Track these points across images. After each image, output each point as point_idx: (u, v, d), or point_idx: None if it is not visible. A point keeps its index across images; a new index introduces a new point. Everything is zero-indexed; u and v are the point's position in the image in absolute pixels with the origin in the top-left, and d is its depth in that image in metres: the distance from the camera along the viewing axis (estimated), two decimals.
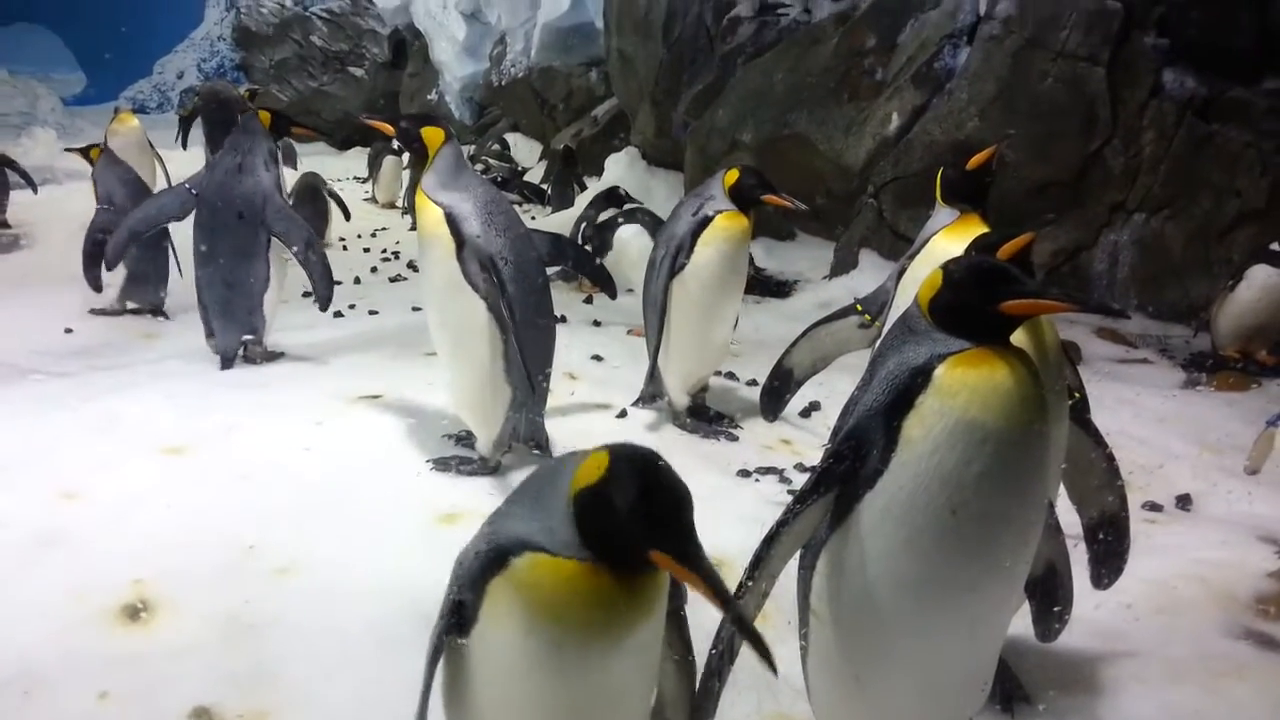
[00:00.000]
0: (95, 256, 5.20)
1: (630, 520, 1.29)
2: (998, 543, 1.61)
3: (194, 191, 4.48)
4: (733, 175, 3.77)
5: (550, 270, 3.66)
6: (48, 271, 6.85)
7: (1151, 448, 3.97)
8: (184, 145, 10.21)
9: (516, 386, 3.32)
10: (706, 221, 3.74)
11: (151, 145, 8.34)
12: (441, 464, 3.43)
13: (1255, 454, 3.32)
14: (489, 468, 3.42)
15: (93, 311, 5.62)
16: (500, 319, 3.16)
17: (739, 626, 1.27)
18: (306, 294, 4.85)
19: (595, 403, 4.20)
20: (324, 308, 4.64)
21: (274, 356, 4.65)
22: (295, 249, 4.44)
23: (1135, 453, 3.83)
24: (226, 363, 4.50)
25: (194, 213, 4.48)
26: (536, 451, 3.56)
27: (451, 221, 3.15)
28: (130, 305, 5.73)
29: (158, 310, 5.78)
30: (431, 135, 3.21)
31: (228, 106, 10.70)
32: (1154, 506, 3.46)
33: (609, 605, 1.36)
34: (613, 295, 4.01)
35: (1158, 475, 3.73)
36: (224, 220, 4.41)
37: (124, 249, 4.63)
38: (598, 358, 4.79)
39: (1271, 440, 3.25)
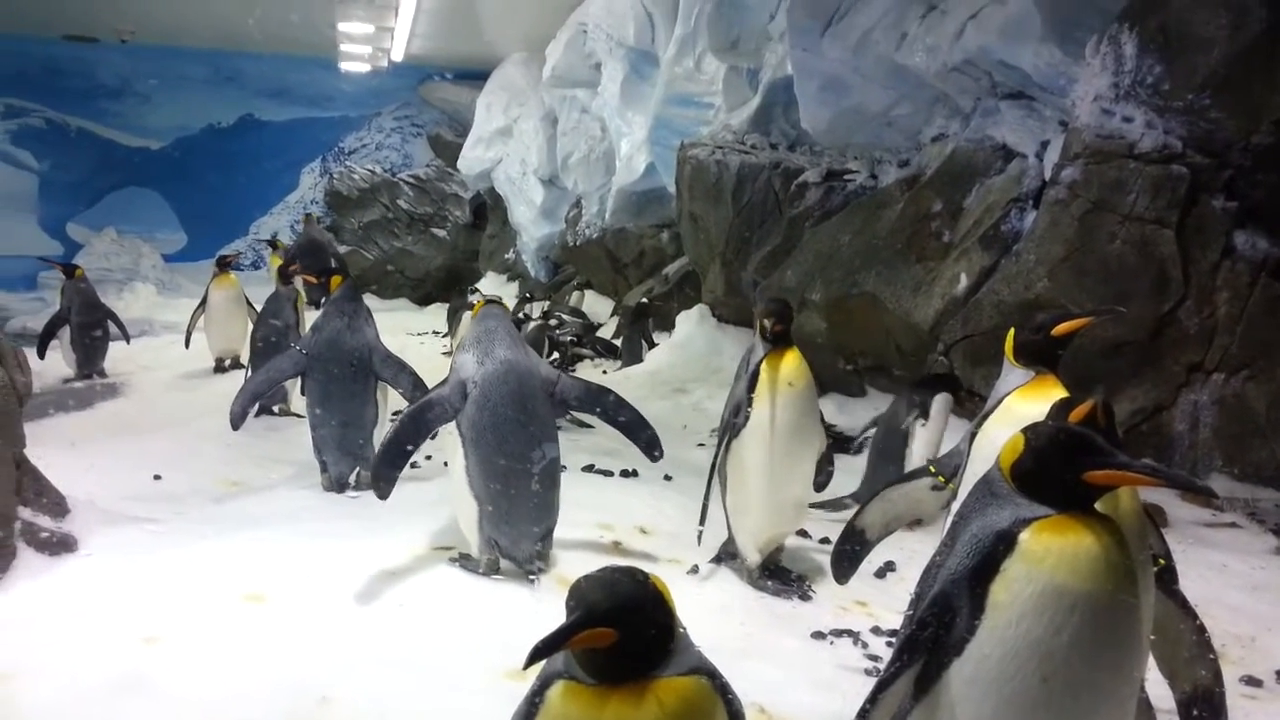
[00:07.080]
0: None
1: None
2: (1090, 716, 1.56)
3: (304, 351, 5.18)
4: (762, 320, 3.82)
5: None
6: (140, 420, 7.15)
7: (1246, 617, 3.79)
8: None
9: (480, 499, 3.74)
10: (756, 374, 3.79)
11: (248, 300, 8.84)
12: (457, 560, 3.92)
13: None
14: (478, 570, 3.81)
15: (65, 381, 8.46)
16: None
17: None
18: None
19: (667, 558, 4.18)
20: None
21: None
22: (403, 390, 5.13)
23: (1228, 623, 3.67)
24: (340, 488, 5.15)
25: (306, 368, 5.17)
26: (531, 578, 3.80)
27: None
28: (84, 371, 8.59)
29: (102, 373, 8.69)
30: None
31: (321, 251, 11.95)
32: (1252, 681, 3.29)
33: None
34: (654, 458, 4.09)
35: (1254, 647, 3.56)
36: (338, 372, 5.11)
37: (247, 409, 5.11)
38: (671, 513, 4.78)
39: None
